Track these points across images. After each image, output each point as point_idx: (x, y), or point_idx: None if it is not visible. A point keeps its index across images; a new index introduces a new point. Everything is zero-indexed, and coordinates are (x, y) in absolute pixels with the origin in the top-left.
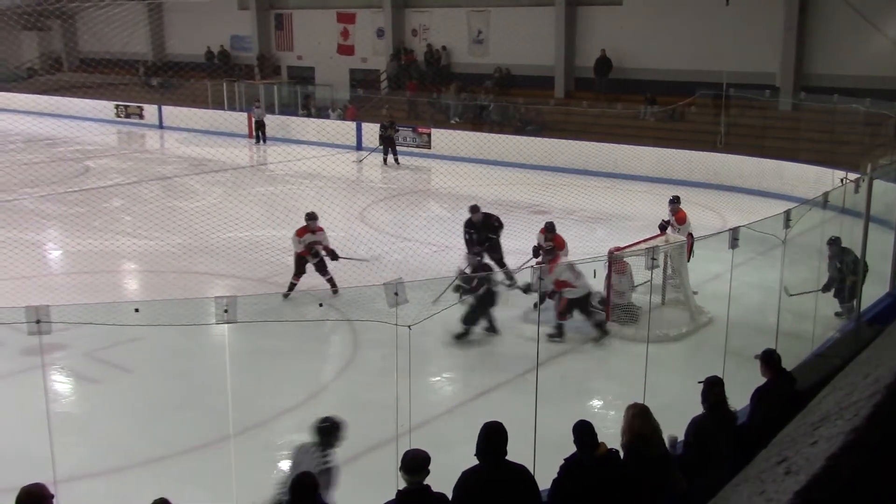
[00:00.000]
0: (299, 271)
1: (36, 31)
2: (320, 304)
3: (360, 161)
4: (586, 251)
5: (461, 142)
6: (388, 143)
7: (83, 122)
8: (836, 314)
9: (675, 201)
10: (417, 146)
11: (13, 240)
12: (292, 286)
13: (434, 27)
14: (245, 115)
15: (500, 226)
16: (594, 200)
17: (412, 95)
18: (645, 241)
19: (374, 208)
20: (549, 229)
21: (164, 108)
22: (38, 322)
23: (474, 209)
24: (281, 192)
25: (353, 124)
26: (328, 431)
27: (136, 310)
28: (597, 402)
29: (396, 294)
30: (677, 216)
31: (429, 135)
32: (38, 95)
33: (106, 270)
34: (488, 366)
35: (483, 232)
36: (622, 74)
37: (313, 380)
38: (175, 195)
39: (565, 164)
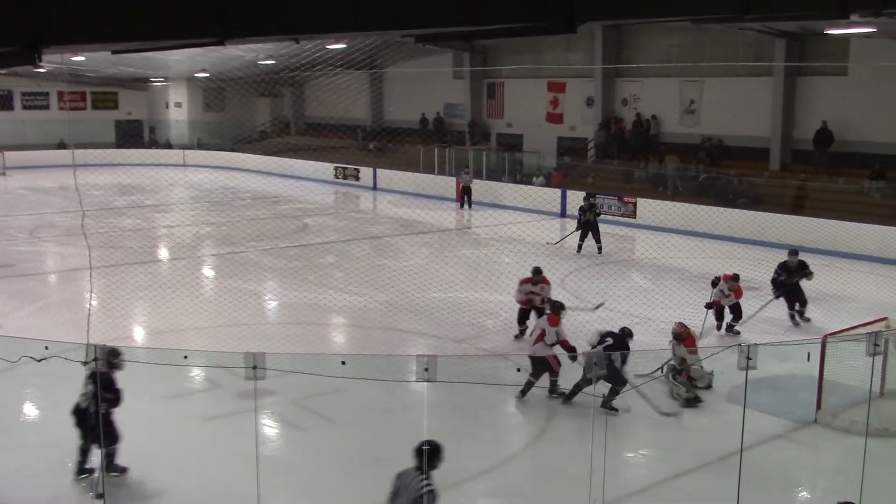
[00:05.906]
0: (521, 319)
1: (269, 98)
2: (518, 370)
3: (557, 244)
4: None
5: (668, 212)
6: (588, 229)
7: (305, 182)
8: None
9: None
10: (623, 215)
11: (236, 289)
12: (521, 332)
13: (645, 96)
14: (454, 179)
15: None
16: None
17: (620, 164)
18: (864, 325)
19: (575, 276)
20: (734, 279)
21: (378, 170)
22: (254, 368)
23: (793, 252)
24: (484, 255)
25: (557, 191)
26: (429, 455)
27: (343, 362)
28: (805, 495)
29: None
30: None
31: (634, 204)
32: (268, 156)
33: (316, 323)
34: (690, 445)
35: (794, 276)
36: (844, 147)
37: (506, 444)
38: (384, 254)
39: (778, 239)
